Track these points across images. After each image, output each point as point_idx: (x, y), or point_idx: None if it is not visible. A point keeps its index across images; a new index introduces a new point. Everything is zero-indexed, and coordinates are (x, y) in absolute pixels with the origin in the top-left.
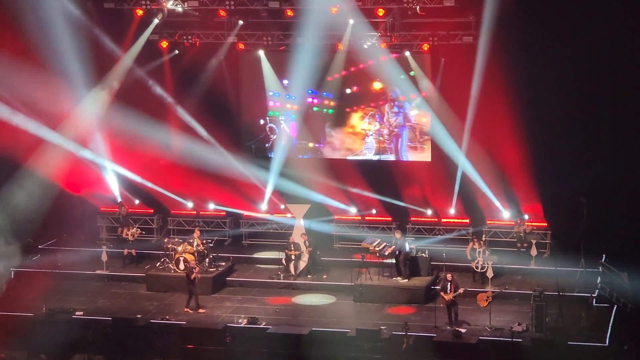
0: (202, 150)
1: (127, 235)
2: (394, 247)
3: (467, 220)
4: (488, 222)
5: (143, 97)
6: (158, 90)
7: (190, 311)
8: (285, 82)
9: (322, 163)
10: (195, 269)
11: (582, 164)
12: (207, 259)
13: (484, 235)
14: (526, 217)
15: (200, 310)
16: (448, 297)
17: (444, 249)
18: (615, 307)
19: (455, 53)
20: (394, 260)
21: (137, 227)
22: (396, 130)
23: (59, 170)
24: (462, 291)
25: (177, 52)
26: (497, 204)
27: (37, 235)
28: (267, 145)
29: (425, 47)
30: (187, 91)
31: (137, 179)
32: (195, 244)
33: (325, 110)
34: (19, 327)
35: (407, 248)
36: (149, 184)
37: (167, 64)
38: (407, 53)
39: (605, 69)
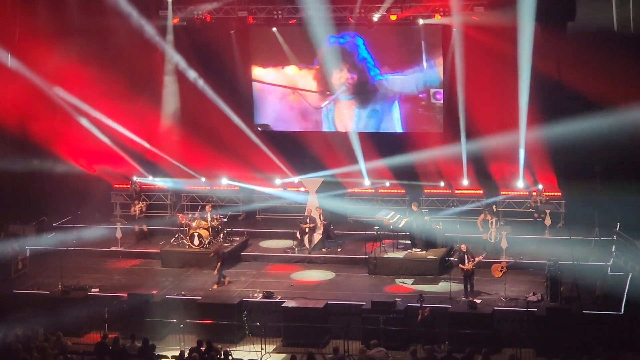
0: (215, 124)
1: (135, 211)
2: (408, 219)
3: (481, 191)
4: (502, 192)
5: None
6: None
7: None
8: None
9: (334, 136)
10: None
11: (595, 133)
12: (221, 234)
13: (494, 206)
14: (540, 187)
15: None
16: (468, 266)
17: (458, 221)
18: (630, 276)
19: (467, 22)
20: (408, 233)
21: (143, 203)
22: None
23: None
24: (481, 258)
25: (185, 23)
26: (520, 173)
27: (52, 213)
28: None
29: (438, 17)
30: (199, 66)
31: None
32: (209, 219)
33: None
34: (35, 305)
35: (422, 220)
36: (167, 157)
37: (178, 39)
38: (421, 21)
39: (616, 36)
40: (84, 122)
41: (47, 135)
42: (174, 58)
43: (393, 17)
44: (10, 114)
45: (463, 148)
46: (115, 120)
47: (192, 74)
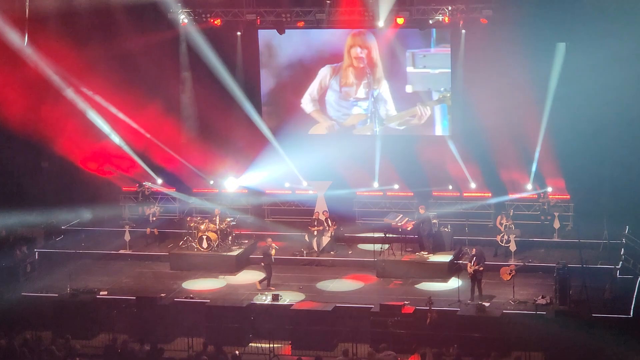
0: (224, 127)
1: (149, 213)
2: (416, 222)
3: (489, 194)
4: (510, 195)
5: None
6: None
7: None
8: None
9: (343, 139)
10: (272, 246)
11: (604, 136)
12: (229, 237)
13: (511, 210)
14: (549, 189)
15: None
16: (469, 269)
17: (467, 224)
18: (639, 279)
19: (475, 27)
20: (416, 236)
21: (157, 206)
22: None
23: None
24: (481, 268)
25: (195, 24)
26: (531, 176)
27: (60, 216)
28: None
29: (446, 19)
30: (206, 68)
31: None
32: (217, 222)
33: None
34: (43, 307)
35: (430, 223)
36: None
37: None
38: (431, 22)
39: (629, 39)
40: (95, 121)
41: (56, 136)
42: (186, 61)
43: (400, 21)
44: (20, 115)
45: (465, 151)
46: (125, 122)
47: (200, 77)
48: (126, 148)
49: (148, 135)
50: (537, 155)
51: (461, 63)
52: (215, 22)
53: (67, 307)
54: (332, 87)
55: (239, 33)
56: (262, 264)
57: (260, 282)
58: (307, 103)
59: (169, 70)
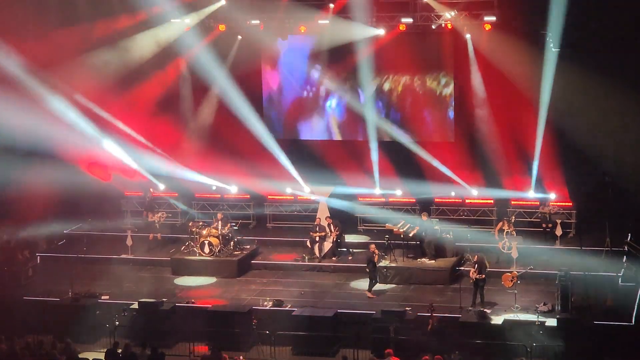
0: (226, 132)
1: (154, 219)
2: (418, 228)
3: (492, 201)
4: (512, 202)
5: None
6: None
7: (371, 295)
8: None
9: (345, 144)
10: (375, 252)
11: (607, 143)
12: (231, 242)
13: (513, 217)
14: (552, 197)
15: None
16: (471, 276)
17: (469, 230)
18: None
19: (478, 32)
20: (418, 242)
21: (163, 212)
22: None
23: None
24: (482, 276)
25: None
26: (532, 183)
27: (62, 220)
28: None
29: (449, 25)
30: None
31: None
32: (219, 227)
33: None
34: (45, 311)
35: (432, 229)
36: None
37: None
38: (433, 27)
39: (631, 45)
40: (97, 127)
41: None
42: (189, 65)
43: (402, 27)
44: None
45: (467, 158)
46: (126, 127)
47: (205, 83)
48: (130, 153)
49: (150, 141)
50: (539, 162)
51: (465, 68)
52: (220, 27)
53: (68, 312)
54: (333, 92)
55: (239, 37)
56: (367, 270)
57: (369, 290)
58: (307, 109)
59: (177, 76)
